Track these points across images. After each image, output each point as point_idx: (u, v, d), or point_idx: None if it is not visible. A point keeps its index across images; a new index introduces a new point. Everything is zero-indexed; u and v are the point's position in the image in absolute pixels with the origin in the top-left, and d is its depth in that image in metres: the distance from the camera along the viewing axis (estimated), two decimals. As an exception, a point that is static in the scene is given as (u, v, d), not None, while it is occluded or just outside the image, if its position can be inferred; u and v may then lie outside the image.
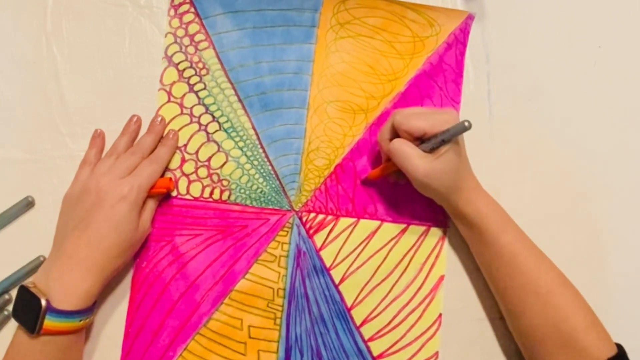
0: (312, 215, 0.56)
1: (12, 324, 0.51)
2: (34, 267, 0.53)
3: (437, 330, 0.56)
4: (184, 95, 0.56)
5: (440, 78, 0.58)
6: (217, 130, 0.56)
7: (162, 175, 0.54)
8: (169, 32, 0.57)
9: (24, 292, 0.46)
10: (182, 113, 0.56)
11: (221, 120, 0.56)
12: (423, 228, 0.57)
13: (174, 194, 0.55)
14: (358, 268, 0.56)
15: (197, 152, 0.56)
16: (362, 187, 0.57)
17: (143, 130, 0.55)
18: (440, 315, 0.56)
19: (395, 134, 0.51)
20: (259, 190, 0.56)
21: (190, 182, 0.55)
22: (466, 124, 0.45)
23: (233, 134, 0.56)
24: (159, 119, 0.55)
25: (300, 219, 0.56)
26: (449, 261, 0.57)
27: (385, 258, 0.56)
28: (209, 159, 0.56)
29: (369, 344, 0.55)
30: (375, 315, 0.55)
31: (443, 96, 0.58)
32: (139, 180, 0.50)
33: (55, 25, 0.56)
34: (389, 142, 0.51)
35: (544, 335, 0.49)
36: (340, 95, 0.58)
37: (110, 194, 0.49)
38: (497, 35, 0.59)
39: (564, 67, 0.60)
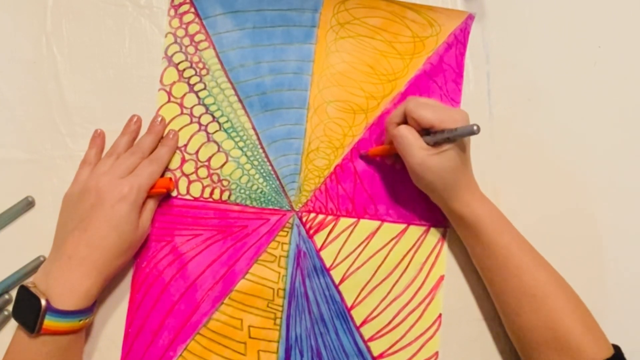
0: (312, 215, 0.56)
1: (12, 324, 0.51)
2: (34, 267, 0.53)
3: (437, 330, 0.56)
4: (184, 95, 0.56)
5: (440, 78, 0.58)
6: (217, 131, 0.56)
7: (162, 175, 0.54)
8: (169, 32, 0.57)
9: (24, 292, 0.46)
10: (182, 113, 0.56)
11: (221, 120, 0.56)
12: (423, 228, 0.57)
13: (174, 194, 0.55)
14: (358, 268, 0.56)
15: (197, 152, 0.56)
16: (362, 187, 0.57)
17: (143, 130, 0.55)
18: (440, 315, 0.56)
19: (405, 120, 0.51)
20: (259, 190, 0.56)
21: (190, 182, 0.55)
22: (475, 128, 0.45)
23: (233, 134, 0.56)
24: (159, 119, 0.55)
25: (300, 219, 0.56)
26: (448, 261, 0.57)
27: (385, 258, 0.56)
28: (209, 159, 0.56)
29: (369, 344, 0.55)
30: (375, 316, 0.55)
31: (443, 96, 0.58)
32: (139, 180, 0.50)
33: (55, 25, 0.56)
34: (396, 126, 0.51)
35: (539, 337, 0.49)
36: (340, 96, 0.58)
37: (110, 194, 0.48)
38: (497, 35, 0.59)
39: (564, 67, 0.60)
